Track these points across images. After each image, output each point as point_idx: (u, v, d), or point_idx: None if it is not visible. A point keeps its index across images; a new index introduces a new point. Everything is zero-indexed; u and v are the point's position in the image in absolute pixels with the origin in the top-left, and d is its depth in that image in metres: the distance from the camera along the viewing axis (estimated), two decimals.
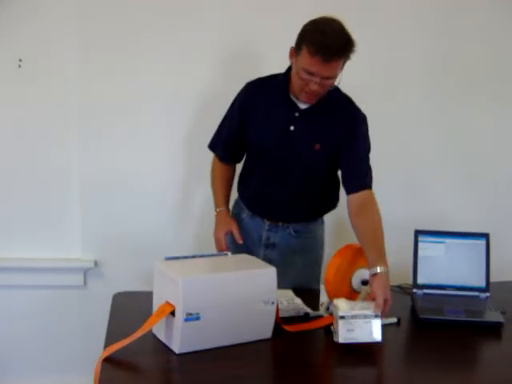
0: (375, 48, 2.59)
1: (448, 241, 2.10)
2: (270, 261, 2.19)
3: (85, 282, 2.63)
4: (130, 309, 1.88)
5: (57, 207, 2.60)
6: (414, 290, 2.07)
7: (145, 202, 2.63)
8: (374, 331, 1.65)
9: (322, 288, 1.96)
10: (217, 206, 2.25)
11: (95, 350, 1.66)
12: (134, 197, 2.62)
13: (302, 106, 2.02)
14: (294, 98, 2.01)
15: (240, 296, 1.62)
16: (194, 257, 1.75)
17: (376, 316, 1.64)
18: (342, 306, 1.67)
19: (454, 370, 1.60)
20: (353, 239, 1.90)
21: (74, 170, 2.57)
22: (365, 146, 2.07)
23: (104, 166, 2.58)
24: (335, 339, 1.66)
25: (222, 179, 2.27)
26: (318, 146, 2.04)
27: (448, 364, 1.62)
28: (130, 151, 2.59)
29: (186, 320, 1.55)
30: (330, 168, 2.13)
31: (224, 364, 1.55)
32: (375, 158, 2.04)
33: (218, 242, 2.19)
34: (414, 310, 1.98)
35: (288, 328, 1.77)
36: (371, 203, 1.96)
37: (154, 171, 2.63)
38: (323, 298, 1.95)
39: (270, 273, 1.67)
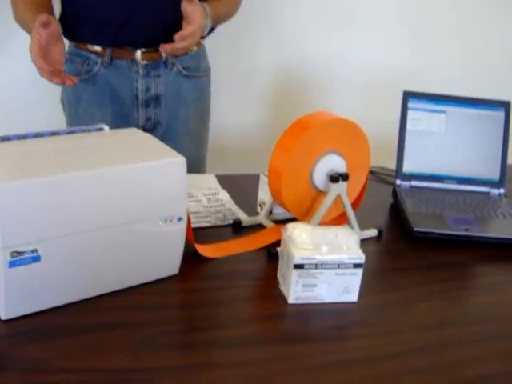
0: None
1: (451, 110, 1.40)
2: (155, 124, 1.54)
3: None
4: None
5: None
6: (398, 182, 1.39)
7: None
8: (351, 287, 0.97)
9: (263, 180, 1.25)
10: (31, 22, 1.29)
11: None
12: None
13: None
14: None
15: (116, 212, 0.88)
16: (39, 136, 0.97)
17: (358, 265, 0.96)
18: (300, 240, 0.96)
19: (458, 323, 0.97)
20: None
21: None
22: None
23: None
24: (281, 288, 0.99)
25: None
26: None
27: (452, 310, 0.99)
28: None
29: (13, 264, 0.81)
30: None
31: (87, 343, 0.84)
32: None
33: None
34: (398, 213, 1.31)
35: (206, 252, 1.07)
36: None
37: None
38: (264, 194, 1.25)
39: (175, 167, 0.93)
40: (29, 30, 1.31)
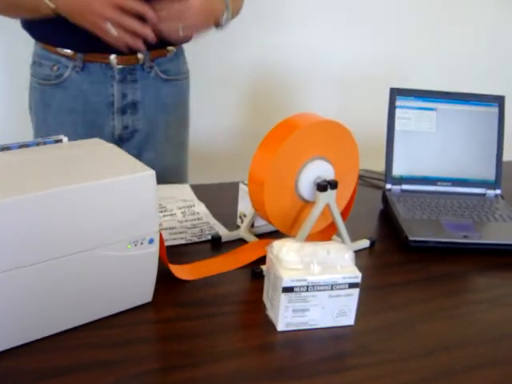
0: None
1: (442, 107, 1.30)
2: (133, 133, 1.42)
3: None
4: None
5: None
6: (388, 186, 1.30)
7: None
8: (346, 309, 0.87)
9: (243, 190, 1.14)
10: None
11: None
12: None
13: None
14: None
15: (79, 237, 0.76)
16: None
17: (354, 285, 0.85)
18: (288, 259, 0.85)
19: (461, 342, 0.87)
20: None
21: None
22: None
23: None
24: (268, 313, 0.88)
25: None
26: None
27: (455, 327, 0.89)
28: None
29: None
30: None
31: None
32: None
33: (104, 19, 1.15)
34: (390, 221, 1.21)
35: (182, 274, 0.96)
36: None
37: None
38: (244, 205, 1.15)
39: (143, 182, 0.81)
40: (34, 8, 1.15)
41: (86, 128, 1.36)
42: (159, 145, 1.46)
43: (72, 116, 1.36)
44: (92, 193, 0.76)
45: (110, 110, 1.37)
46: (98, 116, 1.37)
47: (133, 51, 1.30)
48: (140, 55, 1.35)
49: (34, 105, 1.42)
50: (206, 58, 1.90)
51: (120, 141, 1.41)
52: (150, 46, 1.33)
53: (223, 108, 1.99)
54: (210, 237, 1.10)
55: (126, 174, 0.80)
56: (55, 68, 1.34)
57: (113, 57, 1.33)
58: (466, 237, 1.12)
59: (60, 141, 0.91)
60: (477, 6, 2.18)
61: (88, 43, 1.28)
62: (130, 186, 0.79)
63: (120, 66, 1.34)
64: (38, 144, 0.89)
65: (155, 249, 0.85)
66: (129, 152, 1.39)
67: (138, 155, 1.43)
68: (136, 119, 1.41)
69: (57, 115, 1.37)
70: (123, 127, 1.40)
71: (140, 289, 0.87)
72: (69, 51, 1.32)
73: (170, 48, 1.41)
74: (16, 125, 1.60)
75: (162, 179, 1.43)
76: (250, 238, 1.10)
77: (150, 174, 0.81)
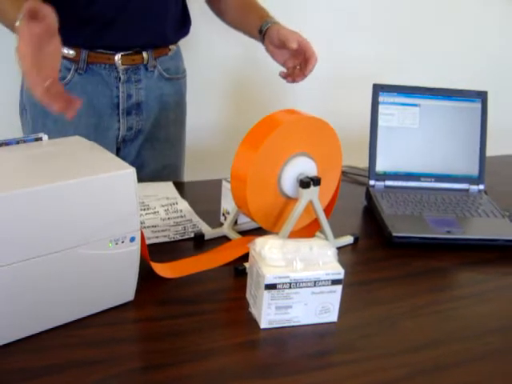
0: None
1: (425, 103, 1.30)
2: (136, 133, 1.39)
3: None
4: None
5: None
6: (372, 182, 1.30)
7: None
8: (330, 306, 0.87)
9: (226, 187, 1.14)
10: (12, 10, 0.97)
11: None
12: None
13: None
14: None
15: (58, 236, 0.75)
16: None
17: (336, 281, 0.85)
18: (271, 256, 0.85)
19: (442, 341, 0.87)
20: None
21: None
22: None
23: None
24: (251, 311, 0.87)
25: None
26: None
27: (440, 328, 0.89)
28: None
29: None
30: None
31: None
32: None
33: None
34: (374, 217, 1.21)
35: (165, 272, 0.95)
36: None
37: None
38: (227, 202, 1.14)
39: (124, 180, 0.80)
40: (8, 23, 1.01)
41: (90, 131, 1.31)
42: (159, 143, 1.44)
43: (74, 120, 1.32)
44: (72, 191, 0.75)
45: (115, 112, 1.34)
46: (102, 119, 1.33)
47: (137, 49, 1.31)
48: (145, 54, 1.32)
49: (30, 110, 1.36)
50: (191, 56, 1.89)
51: (123, 142, 1.39)
52: (154, 45, 1.33)
53: (207, 105, 1.97)
54: (192, 234, 1.10)
55: (105, 171, 0.78)
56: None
57: (117, 56, 1.29)
58: (449, 232, 1.12)
59: (40, 139, 0.90)
60: (463, 5, 2.18)
61: (93, 40, 1.26)
62: (110, 184, 0.78)
63: (125, 66, 1.30)
64: (18, 142, 0.88)
65: (137, 247, 0.84)
66: (129, 152, 1.42)
67: (138, 154, 1.42)
68: (140, 120, 1.38)
69: (58, 120, 1.30)
70: (128, 128, 1.37)
71: (122, 287, 0.86)
72: (71, 52, 1.26)
73: (171, 46, 1.39)
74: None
75: (160, 177, 1.44)
76: (233, 236, 1.10)
77: (130, 171, 0.80)
